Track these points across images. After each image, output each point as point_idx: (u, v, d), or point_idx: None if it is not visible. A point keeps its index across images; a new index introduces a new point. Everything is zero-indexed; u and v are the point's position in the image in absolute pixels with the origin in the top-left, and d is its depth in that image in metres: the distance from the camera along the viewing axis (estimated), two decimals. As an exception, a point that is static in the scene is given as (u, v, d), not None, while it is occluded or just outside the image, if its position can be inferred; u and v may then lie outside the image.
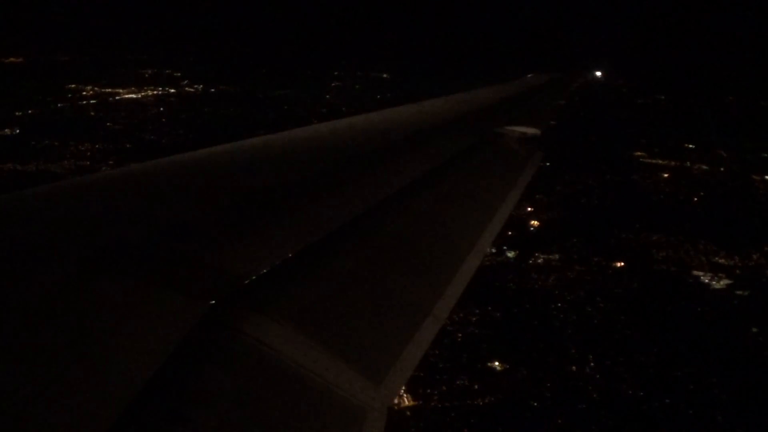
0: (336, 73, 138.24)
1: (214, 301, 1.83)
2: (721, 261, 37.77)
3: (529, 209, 44.91)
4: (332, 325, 2.12)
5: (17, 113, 76.61)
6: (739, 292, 34.04)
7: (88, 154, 58.30)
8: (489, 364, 25.45)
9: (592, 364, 25.51)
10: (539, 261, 35.95)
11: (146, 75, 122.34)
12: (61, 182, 2.87)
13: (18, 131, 67.62)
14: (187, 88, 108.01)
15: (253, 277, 2.06)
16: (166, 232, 2.28)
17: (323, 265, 2.47)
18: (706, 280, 35.52)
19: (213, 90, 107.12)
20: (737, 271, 36.52)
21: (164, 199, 2.73)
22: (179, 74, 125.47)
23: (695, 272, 36.25)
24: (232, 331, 1.85)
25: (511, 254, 36.52)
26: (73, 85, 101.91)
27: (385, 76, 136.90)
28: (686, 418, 22.85)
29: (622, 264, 36.23)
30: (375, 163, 3.84)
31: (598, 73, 19.11)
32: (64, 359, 1.47)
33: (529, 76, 14.15)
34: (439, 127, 5.46)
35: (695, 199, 51.46)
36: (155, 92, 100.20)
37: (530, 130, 5.89)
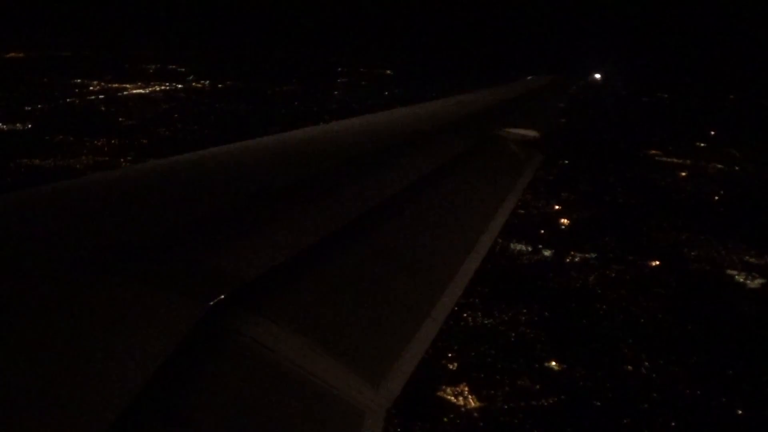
0: (339, 69, 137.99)
1: (212, 302, 1.83)
2: (752, 260, 37.97)
3: (557, 207, 44.97)
4: (331, 326, 2.12)
5: (26, 108, 75.72)
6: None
7: (105, 149, 57.92)
8: (546, 363, 25.38)
9: (646, 363, 25.47)
10: (576, 259, 35.95)
11: (150, 70, 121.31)
12: (62, 182, 2.86)
13: (30, 126, 66.85)
14: (194, 84, 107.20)
15: (253, 278, 2.05)
16: (166, 232, 2.28)
17: (322, 266, 2.46)
18: (741, 279, 35.70)
19: (220, 85, 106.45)
20: (770, 270, 36.70)
21: (164, 199, 2.72)
22: (183, 69, 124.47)
23: (729, 271, 36.41)
24: (230, 332, 1.84)
25: (547, 252, 36.53)
26: (78, 80, 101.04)
27: (388, 72, 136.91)
28: (746, 419, 22.87)
29: (658, 263, 36.28)
30: (374, 165, 3.84)
31: (598, 75, 19.26)
32: (63, 359, 1.47)
33: (529, 78, 14.28)
34: (439, 129, 5.45)
35: (716, 198, 51.78)
36: (163, 88, 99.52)
37: (530, 133, 5.86)
